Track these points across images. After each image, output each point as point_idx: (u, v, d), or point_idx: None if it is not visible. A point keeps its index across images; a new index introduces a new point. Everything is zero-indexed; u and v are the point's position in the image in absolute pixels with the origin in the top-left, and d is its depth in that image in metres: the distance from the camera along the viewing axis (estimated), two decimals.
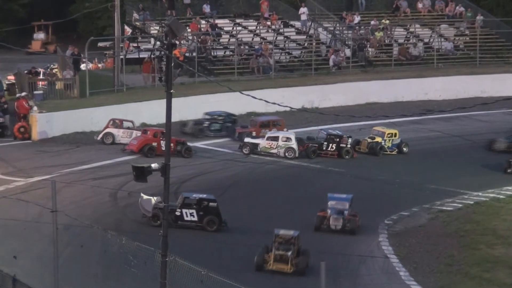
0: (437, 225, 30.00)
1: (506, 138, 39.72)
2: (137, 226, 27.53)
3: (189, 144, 37.66)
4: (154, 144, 36.57)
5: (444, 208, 31.82)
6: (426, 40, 54.45)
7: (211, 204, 28.03)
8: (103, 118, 39.39)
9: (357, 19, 54.76)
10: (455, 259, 26.50)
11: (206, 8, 52.93)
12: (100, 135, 38.49)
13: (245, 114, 43.09)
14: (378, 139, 38.81)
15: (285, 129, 39.37)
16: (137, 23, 52.19)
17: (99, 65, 59.47)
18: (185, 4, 53.28)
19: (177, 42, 40.61)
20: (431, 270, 25.72)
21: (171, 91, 17.58)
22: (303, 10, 53.27)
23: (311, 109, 45.07)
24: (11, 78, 50.93)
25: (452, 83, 50.16)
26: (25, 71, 49.58)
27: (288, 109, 35.57)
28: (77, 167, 34.76)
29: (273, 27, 52.68)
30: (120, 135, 38.33)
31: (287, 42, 52.15)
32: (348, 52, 51.49)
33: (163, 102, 18.23)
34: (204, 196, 28.46)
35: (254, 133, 39.25)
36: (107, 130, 38.54)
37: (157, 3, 53.22)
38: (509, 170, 35.97)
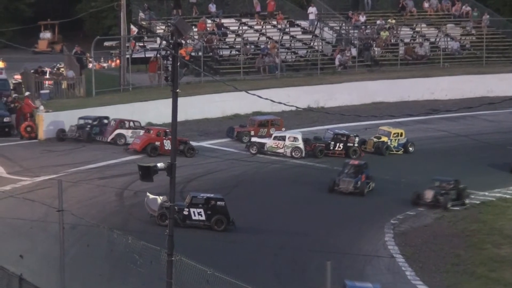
0: (443, 224, 29.97)
1: (348, 175, 32.76)
2: (143, 226, 27.54)
3: (192, 143, 37.65)
4: (157, 143, 36.56)
5: (450, 207, 31.74)
6: (432, 40, 54.40)
7: (219, 203, 28.04)
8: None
9: (363, 18, 54.75)
10: (461, 259, 26.48)
11: (212, 8, 52.97)
12: (112, 136, 38.36)
13: (251, 114, 43.08)
14: (384, 139, 38.77)
15: (283, 129, 39.38)
16: (143, 23, 52.26)
17: (104, 65, 59.51)
18: (190, 3, 53.32)
19: (183, 42, 40.63)
20: (437, 269, 25.70)
21: (177, 90, 17.59)
22: (311, 10, 53.27)
23: (316, 108, 45.05)
24: (18, 77, 51.03)
25: (458, 82, 50.08)
26: (32, 71, 49.65)
27: (293, 108, 35.67)
28: (83, 167, 34.80)
29: (279, 26, 52.69)
30: (129, 135, 38.29)
31: (293, 41, 52.16)
32: (354, 51, 51.47)
33: (169, 102, 18.23)
34: (212, 195, 28.49)
35: (252, 132, 39.28)
36: (118, 131, 38.45)
37: (163, 2, 53.28)
38: None
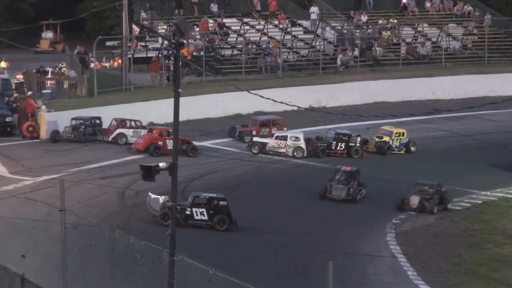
0: (445, 224, 29.95)
1: (340, 182, 31.80)
2: (145, 225, 27.55)
3: (194, 143, 37.66)
4: (160, 143, 36.58)
5: (452, 207, 31.72)
6: (434, 40, 54.39)
7: (221, 203, 28.05)
8: (111, 117, 39.36)
9: (364, 18, 54.74)
10: (463, 259, 26.45)
11: (214, 7, 52.98)
12: (113, 135, 38.37)
13: (252, 113, 43.09)
14: (386, 139, 38.77)
15: (285, 129, 39.40)
16: (145, 22, 52.28)
17: (106, 65, 59.55)
18: (192, 3, 53.34)
19: (185, 41, 40.65)
20: (439, 269, 25.68)
21: (179, 90, 17.59)
22: (313, 9, 53.28)
23: (318, 108, 45.04)
24: (20, 77, 51.06)
25: (460, 82, 50.08)
26: (34, 70, 49.69)
27: (295, 108, 35.67)
28: (85, 166, 34.82)
29: (281, 26, 52.69)
30: (130, 135, 38.32)
31: (294, 41, 52.16)
32: (356, 51, 51.46)
33: (170, 101, 18.23)
34: (214, 195, 28.50)
35: (254, 132, 39.31)
36: (119, 130, 38.47)
37: (165, 2, 53.33)
38: None
